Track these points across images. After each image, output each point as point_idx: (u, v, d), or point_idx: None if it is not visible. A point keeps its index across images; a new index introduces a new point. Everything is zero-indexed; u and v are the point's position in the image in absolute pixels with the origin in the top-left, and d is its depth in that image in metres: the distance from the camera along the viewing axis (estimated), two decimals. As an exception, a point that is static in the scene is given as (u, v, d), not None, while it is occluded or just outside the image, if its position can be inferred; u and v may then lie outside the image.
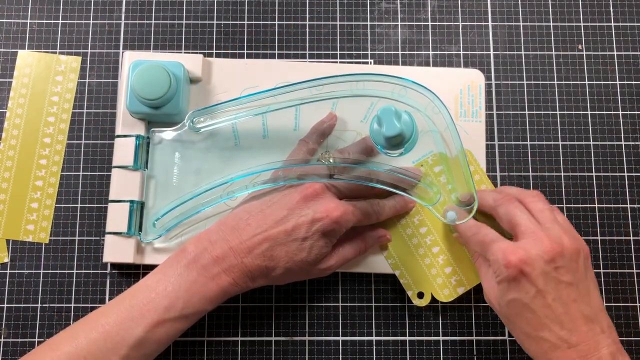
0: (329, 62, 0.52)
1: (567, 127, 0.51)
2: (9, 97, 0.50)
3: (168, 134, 0.47)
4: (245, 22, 0.52)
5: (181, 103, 0.46)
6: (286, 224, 0.41)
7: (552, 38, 0.53)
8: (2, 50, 0.51)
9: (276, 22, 0.53)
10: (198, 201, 0.45)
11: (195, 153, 0.47)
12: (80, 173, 0.50)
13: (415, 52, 0.52)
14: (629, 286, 0.49)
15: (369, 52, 0.52)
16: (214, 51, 0.52)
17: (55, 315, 0.48)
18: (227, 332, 0.48)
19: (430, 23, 0.53)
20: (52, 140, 0.50)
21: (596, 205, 0.50)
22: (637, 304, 0.49)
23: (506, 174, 0.50)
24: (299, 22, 0.53)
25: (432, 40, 0.52)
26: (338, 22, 0.53)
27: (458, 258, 0.47)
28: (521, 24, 0.53)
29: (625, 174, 0.50)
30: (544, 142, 0.51)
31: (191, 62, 0.48)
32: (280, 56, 0.52)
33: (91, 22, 0.52)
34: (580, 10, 0.53)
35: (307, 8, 0.53)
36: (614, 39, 0.52)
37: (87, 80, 0.51)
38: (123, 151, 0.46)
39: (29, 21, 0.52)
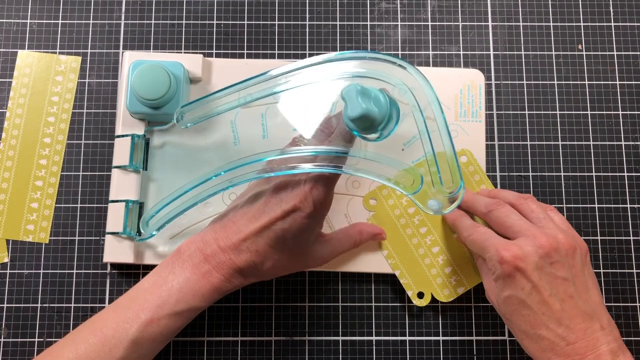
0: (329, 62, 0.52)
1: (567, 127, 0.51)
2: (9, 97, 0.50)
3: (162, 133, 0.47)
4: (245, 22, 0.52)
5: (181, 103, 0.46)
6: (263, 219, 0.40)
7: (552, 38, 0.52)
8: (2, 50, 0.51)
9: (276, 22, 0.52)
10: (185, 198, 0.44)
11: (195, 153, 0.47)
12: (80, 173, 0.50)
13: (415, 52, 0.52)
14: (629, 286, 0.49)
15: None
16: (214, 51, 0.52)
17: (55, 315, 0.48)
18: (227, 332, 0.48)
19: (430, 23, 0.53)
20: (52, 140, 0.50)
21: (596, 205, 0.50)
22: (637, 304, 0.49)
23: (506, 174, 0.50)
24: (299, 22, 0.52)
25: (432, 40, 0.52)
26: (338, 22, 0.53)
27: (458, 258, 0.47)
28: (521, 24, 0.53)
29: (625, 174, 0.50)
30: (544, 142, 0.51)
31: (191, 62, 0.48)
32: (280, 56, 0.52)
33: (91, 22, 0.52)
34: (580, 10, 0.53)
35: (307, 8, 0.53)
36: (614, 39, 0.52)
37: (87, 80, 0.51)
38: (123, 151, 0.46)
39: (28, 21, 0.52)
